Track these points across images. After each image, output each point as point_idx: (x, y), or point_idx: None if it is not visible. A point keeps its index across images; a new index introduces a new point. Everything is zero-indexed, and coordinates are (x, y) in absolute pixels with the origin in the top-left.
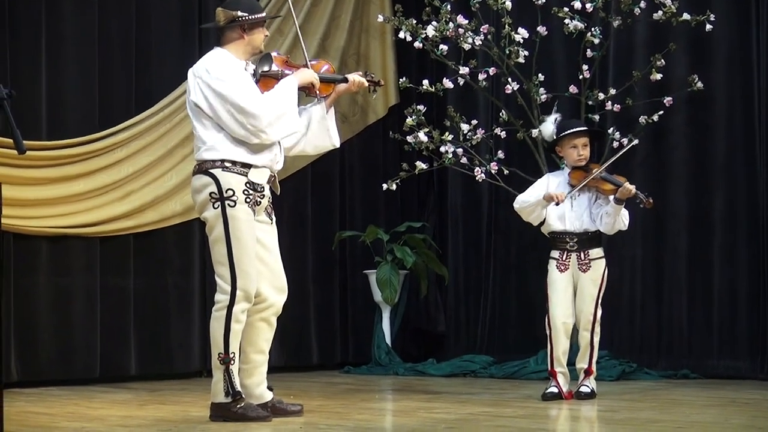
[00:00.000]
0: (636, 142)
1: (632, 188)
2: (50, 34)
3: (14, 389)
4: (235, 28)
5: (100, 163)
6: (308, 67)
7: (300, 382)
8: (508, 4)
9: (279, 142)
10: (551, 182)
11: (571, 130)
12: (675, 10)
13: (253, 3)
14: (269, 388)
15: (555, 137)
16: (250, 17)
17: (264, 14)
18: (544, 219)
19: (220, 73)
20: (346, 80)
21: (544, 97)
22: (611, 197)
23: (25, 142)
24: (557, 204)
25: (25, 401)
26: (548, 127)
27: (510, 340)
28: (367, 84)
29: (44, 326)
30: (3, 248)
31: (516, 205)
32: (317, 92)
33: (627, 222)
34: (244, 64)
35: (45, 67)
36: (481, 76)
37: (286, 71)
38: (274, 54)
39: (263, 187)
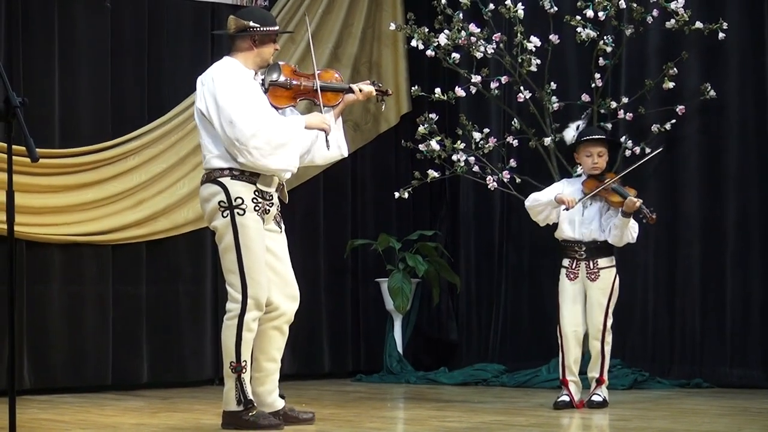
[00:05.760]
0: (660, 149)
1: (637, 202)
2: (63, 43)
3: (26, 396)
4: (246, 38)
5: (113, 171)
6: (316, 76)
7: (312, 390)
8: (521, 13)
9: None
10: (566, 188)
11: (586, 138)
12: (687, 19)
13: (266, 15)
14: (281, 396)
15: (573, 143)
16: (261, 29)
17: (276, 28)
18: (556, 225)
19: (224, 83)
20: (351, 90)
21: (556, 106)
22: (619, 209)
23: (37, 149)
24: (567, 209)
25: (37, 408)
26: (569, 132)
27: (522, 349)
28: (375, 93)
29: (56, 334)
30: (15, 256)
31: (527, 202)
32: (325, 102)
33: (635, 235)
34: (252, 74)
35: (58, 75)
36: (494, 85)
37: (294, 81)
38: (282, 63)
39: (272, 196)
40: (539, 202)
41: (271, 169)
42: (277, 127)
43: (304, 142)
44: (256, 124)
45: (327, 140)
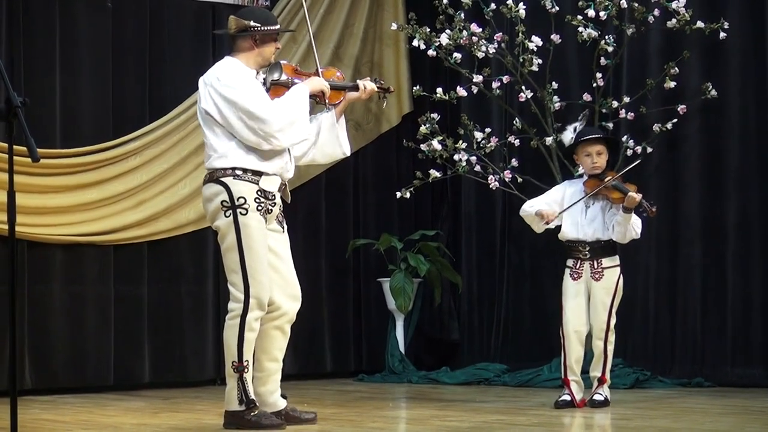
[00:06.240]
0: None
1: (637, 197)
2: (64, 43)
3: (28, 396)
4: (247, 38)
5: (114, 171)
6: (319, 75)
7: (313, 389)
8: (522, 13)
9: (289, 151)
10: (567, 191)
11: (584, 138)
12: (689, 18)
13: (267, 15)
14: (283, 396)
15: (571, 144)
16: (262, 29)
17: (277, 27)
18: (558, 227)
19: (230, 80)
20: (356, 88)
21: (557, 105)
22: (621, 205)
23: (39, 150)
24: (546, 223)
25: (38, 408)
26: (567, 135)
27: (523, 348)
28: (377, 90)
29: (58, 334)
30: (17, 256)
31: (520, 211)
32: (327, 100)
33: (639, 230)
34: (254, 73)
35: (59, 75)
36: (495, 84)
37: (296, 80)
38: (283, 63)
39: (274, 195)
40: (527, 214)
41: (294, 143)
42: (287, 105)
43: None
44: (271, 109)
45: (327, 104)
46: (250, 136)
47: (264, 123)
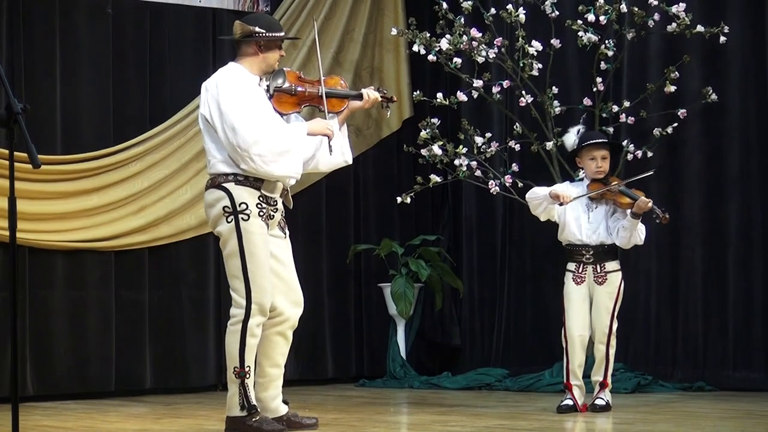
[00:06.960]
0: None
1: (649, 202)
2: (65, 49)
3: (30, 403)
4: (251, 43)
5: (115, 177)
6: (321, 83)
7: (315, 395)
8: (522, 17)
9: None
10: (571, 190)
11: (590, 142)
12: (689, 22)
13: (272, 21)
14: (284, 401)
15: (575, 148)
16: (267, 35)
17: (282, 33)
18: (559, 227)
19: (228, 89)
20: (360, 97)
21: (558, 110)
22: (628, 211)
23: (39, 156)
24: (561, 204)
25: (40, 415)
26: (570, 138)
27: (525, 353)
28: (380, 99)
29: (59, 340)
30: (18, 262)
31: (527, 195)
32: (330, 108)
33: (643, 237)
34: (257, 80)
35: (60, 81)
36: (495, 89)
37: (299, 87)
38: (286, 70)
39: (276, 201)
40: (536, 195)
41: (273, 175)
42: (280, 135)
43: (306, 149)
44: (258, 131)
45: (330, 146)
46: (231, 149)
47: (243, 141)
